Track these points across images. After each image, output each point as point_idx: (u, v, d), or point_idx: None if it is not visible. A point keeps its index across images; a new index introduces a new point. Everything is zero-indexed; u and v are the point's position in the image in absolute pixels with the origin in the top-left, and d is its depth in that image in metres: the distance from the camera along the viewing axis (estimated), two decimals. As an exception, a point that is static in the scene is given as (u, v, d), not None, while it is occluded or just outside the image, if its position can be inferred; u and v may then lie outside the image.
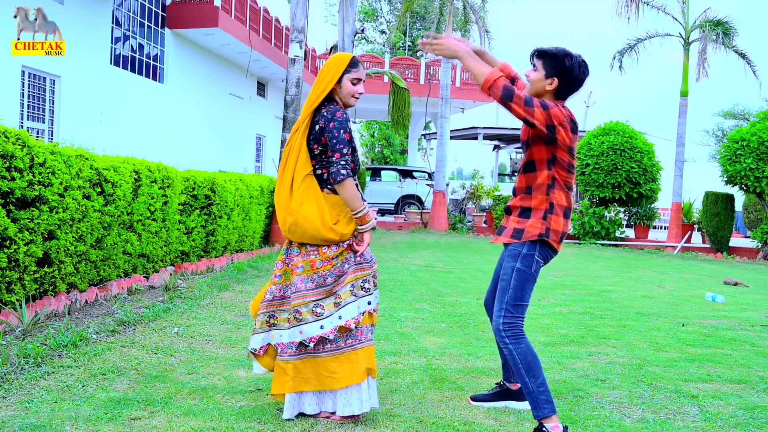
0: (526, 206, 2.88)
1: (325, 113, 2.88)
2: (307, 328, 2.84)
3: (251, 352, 3.00)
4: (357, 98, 2.99)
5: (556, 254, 2.92)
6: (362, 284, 2.92)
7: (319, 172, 2.93)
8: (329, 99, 2.96)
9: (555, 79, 2.83)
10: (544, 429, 2.70)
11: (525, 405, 3.19)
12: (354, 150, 2.95)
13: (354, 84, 2.97)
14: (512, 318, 2.77)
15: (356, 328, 2.87)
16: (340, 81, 2.94)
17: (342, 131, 2.83)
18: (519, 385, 3.21)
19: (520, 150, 28.46)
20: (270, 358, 2.98)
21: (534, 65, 2.88)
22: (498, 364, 3.76)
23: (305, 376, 2.87)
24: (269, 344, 2.96)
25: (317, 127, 2.87)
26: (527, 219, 2.86)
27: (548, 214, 2.83)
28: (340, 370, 2.83)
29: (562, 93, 2.88)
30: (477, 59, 2.76)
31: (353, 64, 2.97)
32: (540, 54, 2.86)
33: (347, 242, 2.90)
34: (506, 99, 2.68)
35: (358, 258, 2.93)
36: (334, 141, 2.83)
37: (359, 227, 2.89)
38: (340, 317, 2.84)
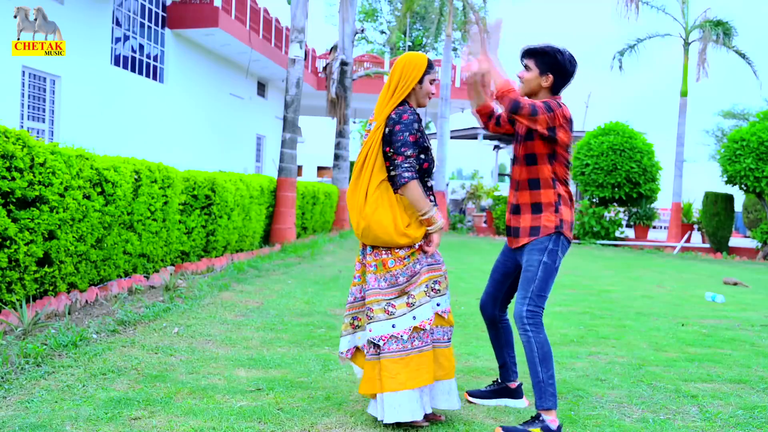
0: (535, 202, 2.94)
1: (393, 116, 2.88)
2: (377, 326, 2.82)
3: (339, 355, 3.02)
4: (431, 98, 3.04)
5: (569, 245, 2.99)
6: (433, 285, 2.93)
7: (393, 173, 2.94)
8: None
9: (550, 75, 2.93)
10: (541, 419, 2.72)
11: (522, 403, 3.23)
12: (426, 149, 2.96)
13: (431, 84, 3.00)
14: (535, 307, 2.84)
15: (419, 331, 2.85)
16: (421, 81, 2.96)
17: (407, 133, 2.84)
18: (516, 384, 3.25)
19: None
20: (363, 358, 2.98)
21: (526, 65, 2.97)
22: (494, 364, 3.75)
23: (380, 377, 2.82)
24: (356, 346, 2.96)
25: (387, 130, 2.89)
26: (540, 214, 2.93)
27: (558, 206, 2.92)
28: (404, 372, 2.78)
29: (557, 87, 2.97)
30: (494, 72, 2.89)
31: (431, 64, 2.99)
32: (532, 53, 2.95)
33: (419, 244, 2.91)
34: (513, 112, 2.80)
35: (429, 258, 2.94)
36: (399, 144, 2.84)
37: (428, 228, 2.89)
38: (414, 317, 2.81)
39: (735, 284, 8.87)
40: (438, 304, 2.92)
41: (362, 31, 17.07)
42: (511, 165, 3.12)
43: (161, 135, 15.44)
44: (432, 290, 2.91)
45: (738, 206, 18.40)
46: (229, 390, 3.27)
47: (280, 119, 21.67)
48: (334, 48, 15.35)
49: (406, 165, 2.82)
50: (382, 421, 2.80)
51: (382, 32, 37.01)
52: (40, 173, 4.38)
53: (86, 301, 5.00)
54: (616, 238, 16.00)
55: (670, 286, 8.39)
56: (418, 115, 2.98)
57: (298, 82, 11.26)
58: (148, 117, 15.06)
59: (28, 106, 11.78)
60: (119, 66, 14.34)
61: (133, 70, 14.85)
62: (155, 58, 15.79)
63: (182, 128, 16.56)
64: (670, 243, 15.80)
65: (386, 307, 2.83)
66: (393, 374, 2.77)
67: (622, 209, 16.43)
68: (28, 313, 4.13)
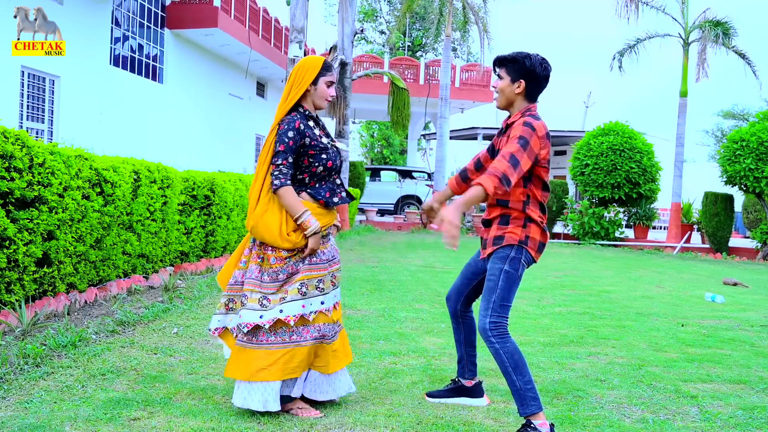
0: (504, 214, 2.95)
1: (279, 124, 2.96)
2: (247, 314, 2.90)
3: (208, 331, 3.11)
4: (329, 101, 3.07)
5: (536, 263, 2.98)
6: (317, 284, 2.97)
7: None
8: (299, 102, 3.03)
9: (521, 81, 2.93)
10: (532, 425, 2.70)
11: (479, 402, 3.25)
12: (324, 149, 2.99)
13: (328, 87, 3.03)
14: (498, 317, 2.80)
15: (299, 326, 2.92)
16: (315, 83, 2.99)
17: (278, 143, 2.90)
18: (473, 381, 3.26)
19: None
20: (233, 340, 3.06)
21: (499, 75, 2.99)
22: (494, 365, 3.76)
23: (240, 365, 2.92)
24: (225, 327, 3.04)
25: None
26: (506, 225, 2.92)
27: (528, 222, 2.91)
28: (261, 363, 2.87)
29: (532, 93, 2.96)
30: (466, 195, 2.77)
31: (327, 66, 3.02)
32: (501, 62, 2.97)
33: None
34: (508, 185, 2.73)
35: (314, 258, 2.98)
36: (273, 153, 2.93)
37: (304, 233, 2.93)
38: (281, 311, 2.89)
39: (735, 284, 8.87)
40: (322, 302, 2.97)
41: (362, 31, 17.06)
42: None
43: (160, 135, 15.44)
44: (315, 288, 2.96)
45: (738, 206, 18.40)
46: (229, 390, 3.26)
47: (280, 119, 21.58)
48: (333, 48, 15.35)
49: (275, 173, 2.90)
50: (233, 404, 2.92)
51: (382, 32, 37.03)
52: (39, 173, 4.38)
53: (85, 302, 5.00)
54: (615, 239, 16.00)
55: (670, 286, 8.39)
56: (311, 118, 3.01)
57: (298, 82, 11.24)
58: (147, 117, 15.06)
59: (28, 106, 11.78)
60: (118, 66, 14.34)
61: (132, 70, 14.85)
62: (154, 59, 15.79)
63: (181, 128, 16.56)
64: (669, 243, 15.80)
65: (261, 299, 2.91)
66: (247, 363, 2.88)
67: (621, 209, 16.42)
68: (27, 313, 4.13)
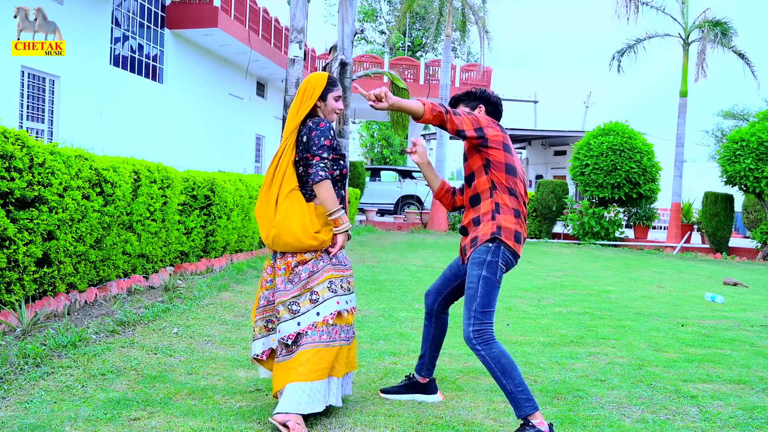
0: (475, 216, 2.98)
1: (310, 124, 3.03)
2: (284, 326, 2.91)
3: (254, 358, 3.09)
4: (338, 113, 3.20)
5: (518, 260, 2.98)
6: (340, 283, 3.01)
7: (310, 172, 3.04)
8: (311, 114, 3.12)
9: (480, 105, 3.11)
10: (530, 424, 2.70)
11: (434, 398, 3.28)
12: (343, 156, 3.10)
13: (336, 101, 3.15)
14: (481, 325, 2.79)
15: (327, 326, 2.94)
16: (324, 98, 3.11)
17: (323, 138, 2.98)
18: (428, 379, 3.30)
19: (520, 150, 28.51)
20: (272, 361, 3.07)
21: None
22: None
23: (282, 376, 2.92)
24: (271, 348, 3.05)
25: (304, 138, 3.02)
26: (478, 225, 2.94)
27: (495, 214, 2.91)
28: (308, 364, 2.86)
29: (492, 117, 3.12)
30: (404, 100, 2.87)
31: (333, 81, 3.16)
32: (457, 101, 3.18)
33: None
34: (447, 111, 2.83)
35: (333, 260, 3.03)
36: (315, 147, 2.98)
37: (333, 229, 2.99)
38: (318, 313, 2.91)
39: (735, 285, 8.87)
40: (347, 302, 3.01)
41: (362, 31, 17.07)
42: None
43: (160, 135, 15.44)
44: (341, 288, 3.00)
45: (738, 206, 18.39)
46: (229, 390, 3.27)
47: (280, 119, 21.61)
48: (333, 48, 15.34)
49: (321, 165, 2.96)
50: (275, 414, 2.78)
51: (382, 32, 37.02)
52: (39, 173, 4.38)
53: (85, 302, 5.00)
54: (615, 239, 16.00)
55: (670, 286, 8.39)
56: (330, 124, 3.14)
57: (298, 82, 11.26)
58: (147, 117, 15.06)
59: (28, 106, 11.78)
60: (118, 66, 14.33)
61: (132, 70, 14.85)
62: (154, 59, 15.79)
63: (181, 128, 16.56)
64: (669, 243, 15.80)
65: (290, 306, 2.93)
66: (296, 366, 2.85)
67: (621, 209, 16.42)
68: (27, 313, 4.13)
